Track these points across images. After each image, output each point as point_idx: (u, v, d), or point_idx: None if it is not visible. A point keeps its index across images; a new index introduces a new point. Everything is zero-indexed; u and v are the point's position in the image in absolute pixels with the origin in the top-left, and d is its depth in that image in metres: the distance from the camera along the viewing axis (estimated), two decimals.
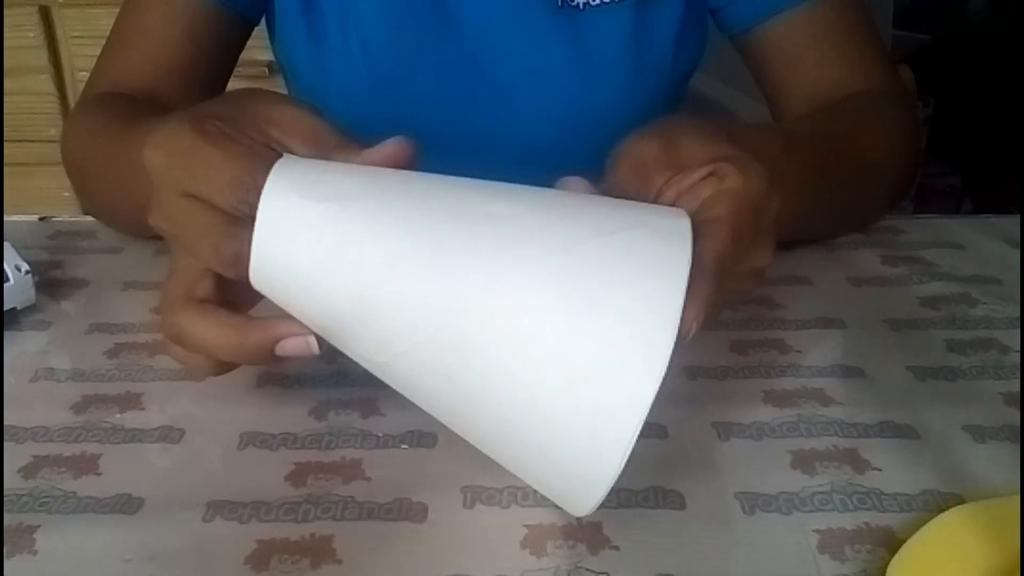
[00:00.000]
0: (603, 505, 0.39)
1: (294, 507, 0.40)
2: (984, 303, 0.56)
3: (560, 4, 0.66)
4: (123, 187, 0.53)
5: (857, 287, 0.58)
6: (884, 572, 0.35)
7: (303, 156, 0.39)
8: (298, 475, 0.42)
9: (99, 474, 0.42)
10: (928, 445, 0.44)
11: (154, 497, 0.40)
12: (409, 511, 0.39)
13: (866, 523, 0.39)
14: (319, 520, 0.39)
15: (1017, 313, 0.54)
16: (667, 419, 0.45)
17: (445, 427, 0.39)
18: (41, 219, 0.68)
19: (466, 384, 0.35)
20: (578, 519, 0.39)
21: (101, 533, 0.38)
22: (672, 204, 0.39)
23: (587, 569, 0.37)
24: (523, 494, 0.40)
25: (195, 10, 0.66)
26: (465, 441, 0.38)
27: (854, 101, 0.65)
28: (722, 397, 0.47)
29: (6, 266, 0.52)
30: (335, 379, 0.48)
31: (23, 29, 1.58)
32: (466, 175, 0.38)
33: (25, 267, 0.53)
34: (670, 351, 0.32)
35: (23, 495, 0.40)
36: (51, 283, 0.58)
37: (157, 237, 0.41)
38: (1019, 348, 0.51)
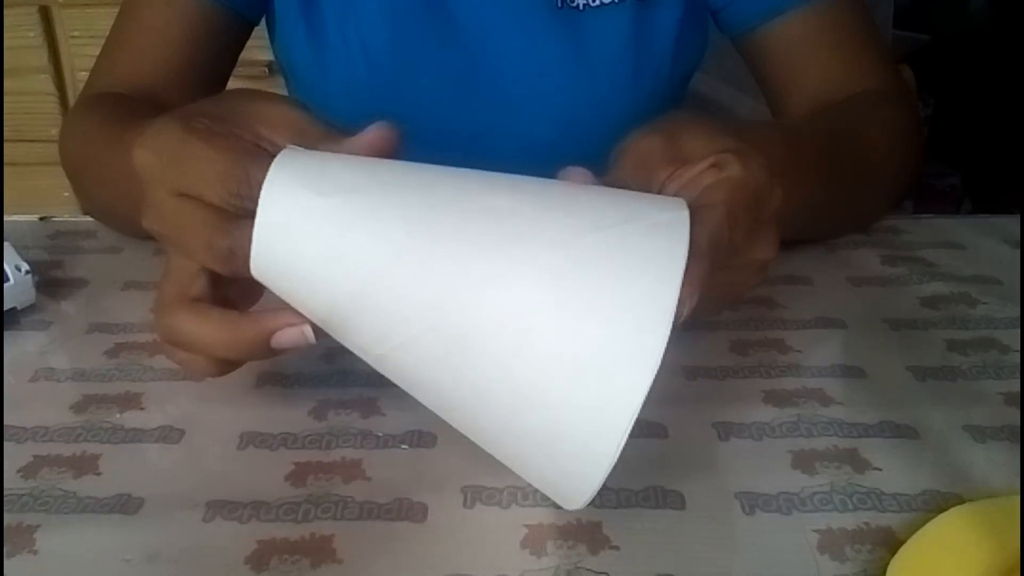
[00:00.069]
0: (603, 505, 0.40)
1: (294, 507, 0.40)
2: (984, 303, 0.56)
3: (560, 5, 0.66)
4: (120, 189, 0.53)
5: (857, 287, 0.58)
6: (884, 572, 0.35)
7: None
8: (298, 475, 0.42)
9: (99, 474, 0.42)
10: (928, 445, 0.44)
11: (154, 497, 0.40)
12: (409, 511, 0.39)
13: (866, 523, 0.39)
14: (319, 520, 0.39)
15: (1017, 313, 0.54)
16: (667, 419, 0.45)
17: (445, 427, 0.39)
18: (41, 219, 0.68)
19: (463, 377, 0.35)
20: (578, 519, 0.39)
21: (101, 533, 0.38)
22: (678, 194, 0.39)
23: (587, 569, 0.37)
24: (523, 494, 0.40)
25: (195, 10, 0.66)
26: (465, 441, 0.38)
27: (855, 101, 0.65)
28: (722, 397, 0.47)
29: (6, 266, 0.52)
30: (335, 379, 0.48)
31: (23, 29, 1.58)
32: None
33: (25, 267, 0.53)
34: (664, 347, 0.32)
35: (23, 495, 0.40)
36: (51, 283, 0.58)
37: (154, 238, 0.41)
38: (1019, 348, 0.51)
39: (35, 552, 0.37)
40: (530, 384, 0.34)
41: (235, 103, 0.41)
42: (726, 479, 0.41)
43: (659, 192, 0.40)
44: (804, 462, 0.42)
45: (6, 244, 0.52)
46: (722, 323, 0.54)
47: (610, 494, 0.40)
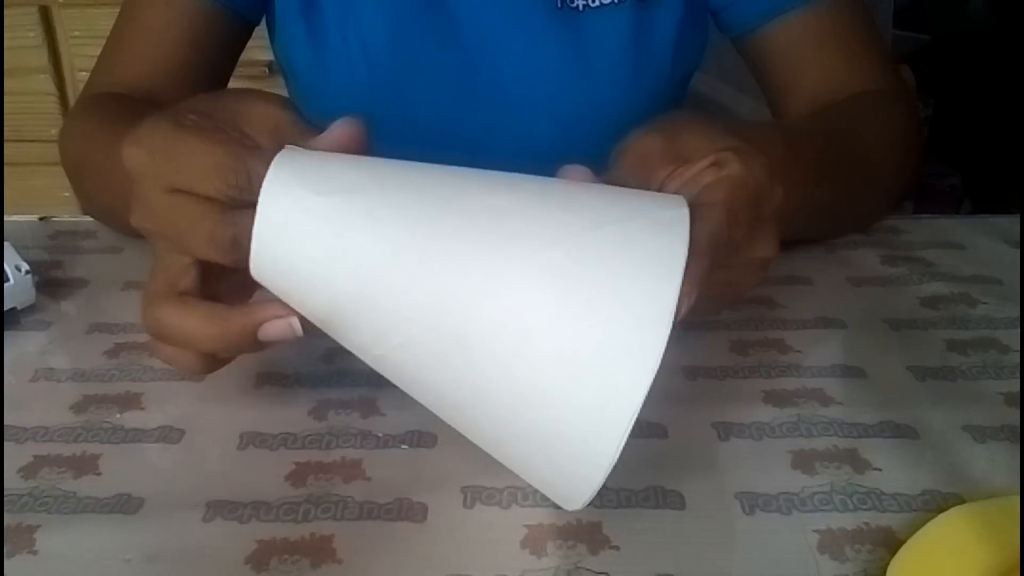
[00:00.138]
0: (603, 505, 0.40)
1: (294, 507, 0.40)
2: (984, 303, 0.56)
3: (559, 6, 0.66)
4: (119, 189, 0.52)
5: (857, 287, 0.58)
6: (884, 572, 0.35)
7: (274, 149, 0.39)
8: (298, 475, 0.42)
9: (99, 474, 0.42)
10: (928, 445, 0.44)
11: (154, 497, 0.40)
12: (409, 511, 0.39)
13: (866, 523, 0.39)
14: (319, 520, 0.39)
15: (1017, 313, 0.54)
16: (667, 419, 0.45)
17: (445, 427, 0.39)
18: (41, 219, 0.68)
19: (462, 377, 0.35)
20: (578, 519, 0.39)
21: (101, 533, 0.38)
22: (678, 192, 0.39)
23: (587, 569, 0.37)
24: (523, 494, 0.40)
25: (195, 10, 0.66)
26: (465, 441, 0.38)
27: (856, 101, 0.65)
28: (722, 397, 0.47)
29: (6, 266, 0.52)
30: (335, 379, 0.48)
31: (23, 29, 1.58)
32: None
33: (25, 267, 0.53)
34: (664, 346, 0.32)
35: (23, 495, 0.40)
36: (51, 283, 0.58)
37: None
38: (1019, 348, 0.51)
39: (35, 552, 0.37)
40: (530, 383, 0.34)
41: (221, 102, 0.41)
42: (726, 479, 0.41)
43: (659, 191, 0.40)
44: (804, 462, 0.42)
45: (6, 244, 0.52)
46: (722, 323, 0.54)
47: (610, 494, 0.40)
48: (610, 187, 0.38)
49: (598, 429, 0.33)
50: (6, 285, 0.52)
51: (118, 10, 0.68)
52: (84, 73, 1.42)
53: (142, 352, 0.51)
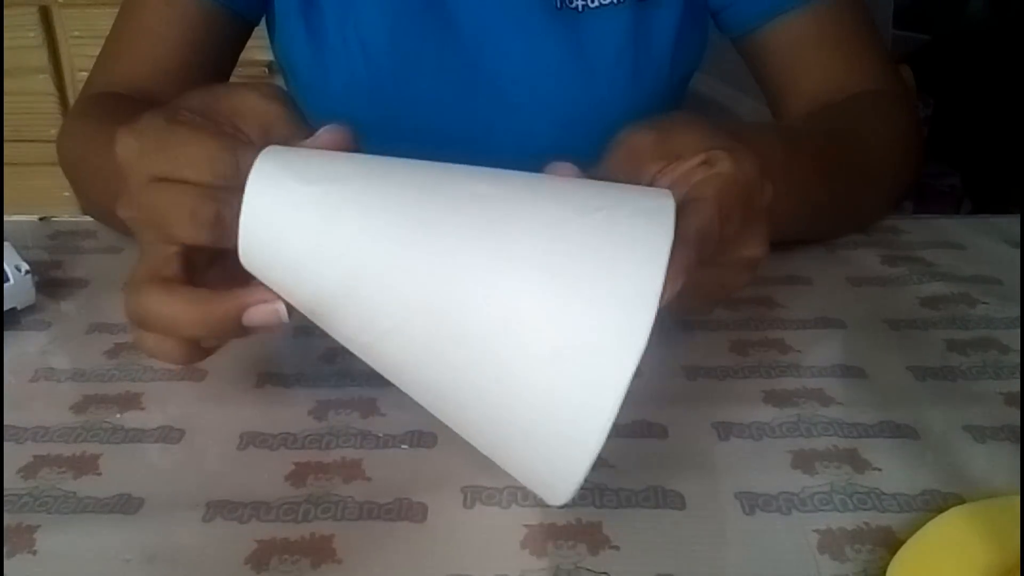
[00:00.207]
0: (603, 505, 0.40)
1: (294, 507, 0.40)
2: (984, 303, 0.56)
3: (559, 6, 0.66)
4: (115, 189, 0.53)
5: (857, 287, 0.58)
6: (884, 572, 0.35)
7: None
8: (298, 475, 0.42)
9: (99, 474, 0.42)
10: (928, 445, 0.44)
11: (154, 497, 0.40)
12: (409, 511, 0.39)
13: (866, 523, 0.39)
14: (319, 520, 0.39)
15: (1017, 313, 0.54)
16: (667, 419, 0.45)
17: (445, 427, 0.39)
18: (41, 219, 0.68)
19: (450, 363, 0.35)
20: (578, 519, 0.39)
21: (101, 533, 0.38)
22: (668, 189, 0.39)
23: (587, 569, 0.37)
24: (523, 494, 0.40)
25: (194, 10, 0.66)
26: (465, 441, 0.38)
27: (856, 101, 0.65)
28: (722, 397, 0.47)
29: (6, 266, 0.52)
30: (335, 379, 0.48)
31: (23, 29, 1.58)
32: None
33: (25, 267, 0.53)
34: (649, 329, 0.32)
35: (23, 495, 0.40)
36: (51, 283, 0.58)
37: None
38: (1019, 348, 0.51)
39: (35, 552, 0.37)
40: (515, 367, 0.34)
41: (215, 97, 0.41)
42: (726, 479, 0.41)
43: (649, 186, 0.40)
44: (804, 462, 0.42)
45: (6, 244, 0.52)
46: (722, 323, 0.54)
47: (610, 494, 0.40)
48: (595, 181, 0.39)
49: (584, 412, 0.33)
50: (6, 285, 0.52)
51: (118, 10, 0.68)
52: (84, 73, 1.42)
53: (142, 352, 0.51)
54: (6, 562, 0.37)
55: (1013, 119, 1.51)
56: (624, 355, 0.32)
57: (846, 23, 0.67)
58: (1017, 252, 0.61)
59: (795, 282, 0.59)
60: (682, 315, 0.44)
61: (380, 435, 0.44)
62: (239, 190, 0.36)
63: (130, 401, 0.47)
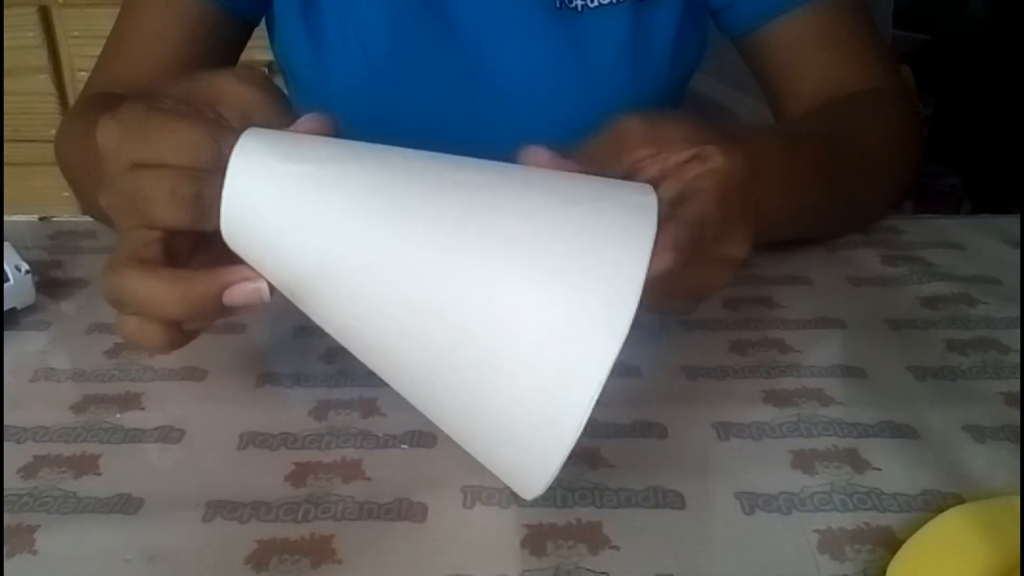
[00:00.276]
0: (603, 505, 0.40)
1: (294, 507, 0.40)
2: (984, 303, 0.56)
3: (558, 6, 0.66)
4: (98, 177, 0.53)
5: (857, 287, 0.58)
6: (884, 572, 0.35)
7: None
8: (298, 475, 0.42)
9: (99, 474, 0.42)
10: (928, 445, 0.44)
11: (154, 497, 0.40)
12: (409, 511, 0.39)
13: (866, 523, 0.39)
14: (319, 520, 0.39)
15: (1017, 313, 0.54)
16: (667, 419, 0.45)
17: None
18: (41, 219, 0.68)
19: (427, 346, 0.35)
20: (578, 519, 0.39)
21: (101, 533, 0.38)
22: (655, 182, 0.39)
23: (587, 569, 0.37)
24: None
25: (194, 11, 0.66)
26: None
27: (855, 101, 0.65)
28: (722, 397, 0.47)
29: (6, 266, 0.52)
30: (335, 379, 0.48)
31: (23, 29, 1.58)
32: None
33: (25, 267, 0.53)
34: (632, 314, 0.32)
35: (23, 495, 0.40)
36: (51, 283, 0.58)
37: None
38: (1019, 348, 0.51)
39: (35, 552, 0.37)
40: (495, 352, 0.33)
41: (196, 85, 0.40)
42: (726, 479, 0.41)
43: (636, 171, 0.40)
44: (804, 462, 0.42)
45: (6, 244, 0.52)
46: (722, 323, 0.54)
47: (610, 494, 0.40)
48: (580, 175, 0.39)
49: (566, 396, 0.33)
50: (6, 285, 0.52)
51: (118, 10, 0.68)
52: (84, 73, 1.42)
53: (142, 352, 0.51)
54: (6, 562, 0.37)
55: (1013, 119, 1.51)
56: (604, 342, 0.32)
57: (846, 23, 0.67)
58: (1017, 252, 0.61)
59: (795, 282, 0.59)
60: (664, 312, 0.44)
61: (380, 435, 0.44)
62: (219, 173, 0.36)
63: (130, 401, 0.47)
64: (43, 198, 1.10)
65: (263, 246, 0.36)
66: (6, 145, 1.58)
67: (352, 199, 0.35)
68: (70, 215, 0.68)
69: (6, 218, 0.66)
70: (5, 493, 0.41)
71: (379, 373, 0.38)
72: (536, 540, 0.38)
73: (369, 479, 0.42)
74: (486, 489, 0.41)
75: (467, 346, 0.34)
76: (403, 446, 0.44)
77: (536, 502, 0.40)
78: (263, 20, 0.72)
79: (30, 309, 0.54)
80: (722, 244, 0.40)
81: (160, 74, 0.65)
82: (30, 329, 0.53)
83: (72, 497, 0.40)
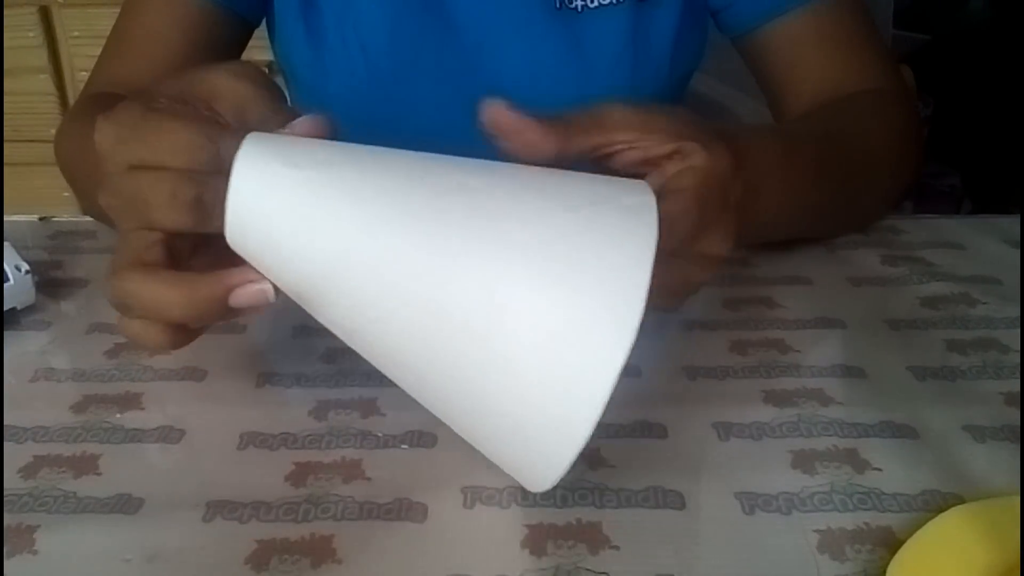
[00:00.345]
0: (603, 505, 0.40)
1: (294, 507, 0.40)
2: (984, 303, 0.56)
3: (558, 6, 0.66)
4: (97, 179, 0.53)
5: (857, 287, 0.58)
6: (884, 572, 0.35)
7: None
8: (298, 475, 0.42)
9: (99, 474, 0.42)
10: (928, 445, 0.44)
11: (154, 497, 0.40)
12: (409, 511, 0.39)
13: (866, 523, 0.39)
14: (319, 520, 0.39)
15: (1017, 313, 0.54)
16: (667, 419, 0.45)
17: (445, 427, 0.39)
18: (41, 219, 0.68)
19: (437, 351, 0.35)
20: (578, 519, 0.39)
21: (101, 533, 0.38)
22: (634, 169, 0.40)
23: (587, 569, 0.37)
24: (523, 494, 0.40)
25: (194, 12, 0.66)
26: (465, 441, 0.38)
27: (855, 100, 0.65)
28: (722, 397, 0.47)
29: (6, 266, 0.52)
30: (335, 379, 0.48)
31: (23, 29, 1.59)
32: None
33: (25, 267, 0.53)
34: (640, 317, 0.33)
35: (23, 495, 0.40)
36: (51, 283, 0.58)
37: None
38: (1019, 348, 0.51)
39: (35, 552, 0.37)
40: (505, 357, 0.34)
41: (192, 82, 0.40)
42: (726, 479, 0.41)
43: (616, 156, 0.41)
44: (804, 462, 0.42)
45: (6, 244, 0.52)
46: (722, 323, 0.54)
47: (610, 494, 0.40)
48: (579, 174, 0.39)
49: (576, 399, 0.33)
50: (6, 285, 0.52)
51: (118, 10, 0.68)
52: (84, 73, 1.42)
53: (142, 352, 0.51)
54: (6, 562, 0.37)
55: (1013, 119, 1.51)
56: (614, 345, 0.32)
57: (846, 23, 0.67)
58: (1017, 252, 0.61)
59: (795, 282, 0.59)
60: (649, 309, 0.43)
61: (380, 435, 0.44)
62: (218, 174, 0.35)
63: (130, 401, 0.47)
64: (43, 198, 1.10)
65: (269, 251, 0.36)
66: (6, 145, 1.58)
67: (357, 203, 0.35)
68: (70, 215, 0.68)
69: (6, 218, 0.66)
70: (5, 493, 0.41)
71: (385, 372, 0.38)
72: (536, 540, 0.38)
73: (369, 479, 0.42)
74: (486, 489, 0.41)
75: (476, 351, 0.34)
76: (403, 446, 0.44)
77: (536, 502, 0.40)
78: (263, 20, 0.72)
79: (30, 309, 0.54)
80: (701, 242, 0.40)
81: (160, 74, 0.65)
82: (30, 329, 0.53)
83: (72, 497, 0.40)
